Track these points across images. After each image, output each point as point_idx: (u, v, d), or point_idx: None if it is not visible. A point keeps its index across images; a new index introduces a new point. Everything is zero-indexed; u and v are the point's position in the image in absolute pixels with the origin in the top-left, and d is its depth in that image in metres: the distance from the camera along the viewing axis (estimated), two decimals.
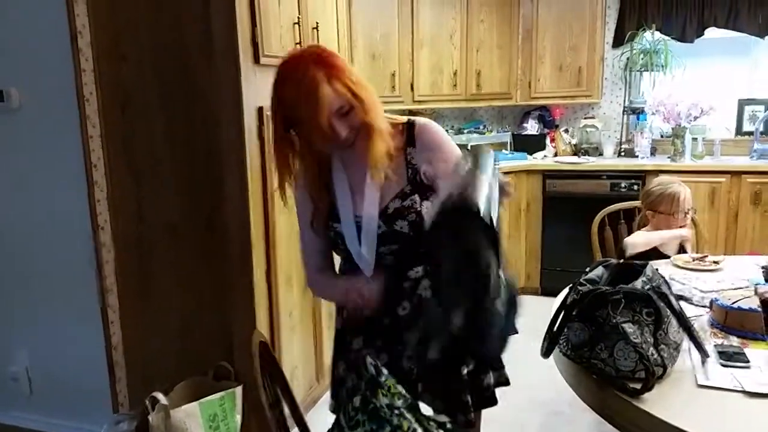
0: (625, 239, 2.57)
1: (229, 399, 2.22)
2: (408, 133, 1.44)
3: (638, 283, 1.36)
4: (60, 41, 2.31)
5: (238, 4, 2.15)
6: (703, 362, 1.41)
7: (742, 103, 4.33)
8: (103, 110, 2.39)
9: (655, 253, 2.49)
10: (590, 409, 1.40)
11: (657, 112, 4.20)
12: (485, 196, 1.12)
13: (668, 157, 4.17)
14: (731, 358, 1.42)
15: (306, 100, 1.29)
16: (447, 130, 3.99)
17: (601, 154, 4.51)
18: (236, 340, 2.39)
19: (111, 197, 2.44)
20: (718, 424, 1.19)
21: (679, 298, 1.64)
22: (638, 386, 1.26)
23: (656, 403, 1.24)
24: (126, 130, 2.39)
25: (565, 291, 1.59)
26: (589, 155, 4.49)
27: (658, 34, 4.28)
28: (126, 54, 2.34)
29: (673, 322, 1.34)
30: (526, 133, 4.74)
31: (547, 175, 4.22)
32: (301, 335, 2.74)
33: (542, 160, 4.48)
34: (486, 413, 1.52)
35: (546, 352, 1.44)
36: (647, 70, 4.30)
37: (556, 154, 4.62)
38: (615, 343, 1.31)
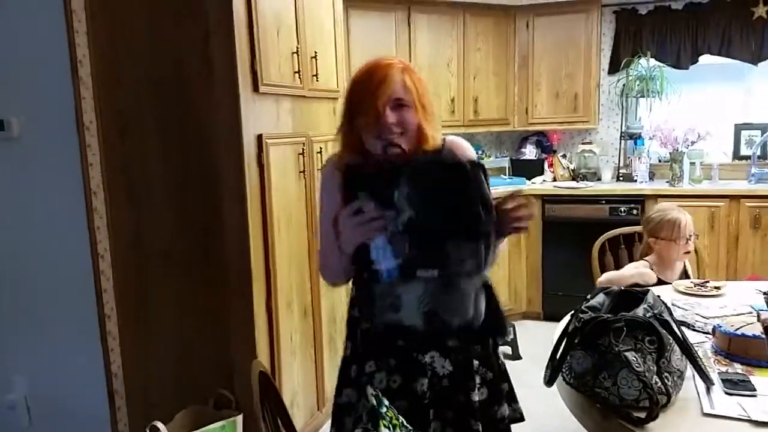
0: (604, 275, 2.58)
1: (230, 428, 2.19)
2: (441, 146, 1.47)
3: (640, 311, 1.35)
4: (60, 70, 2.33)
5: (237, 33, 2.18)
6: (708, 390, 1.39)
7: (739, 128, 4.36)
8: (103, 138, 2.40)
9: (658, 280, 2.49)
10: None
11: (654, 137, 4.23)
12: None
13: (666, 182, 4.18)
14: (736, 385, 1.40)
15: (373, 79, 1.36)
16: None
17: (599, 179, 4.53)
18: (236, 368, 2.37)
19: (110, 224, 2.44)
20: None
21: (681, 324, 1.63)
22: (643, 415, 1.24)
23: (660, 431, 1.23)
24: (125, 157, 2.40)
25: (567, 318, 1.59)
26: (587, 180, 4.51)
27: (653, 61, 4.33)
28: (125, 83, 2.36)
29: (676, 349, 1.33)
30: (524, 158, 4.76)
31: (546, 199, 4.23)
32: (301, 361, 2.72)
33: (541, 185, 4.49)
34: None
35: (549, 381, 1.43)
36: (643, 96, 4.34)
37: (554, 179, 4.64)
38: (618, 371, 1.30)
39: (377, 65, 1.39)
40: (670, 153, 4.18)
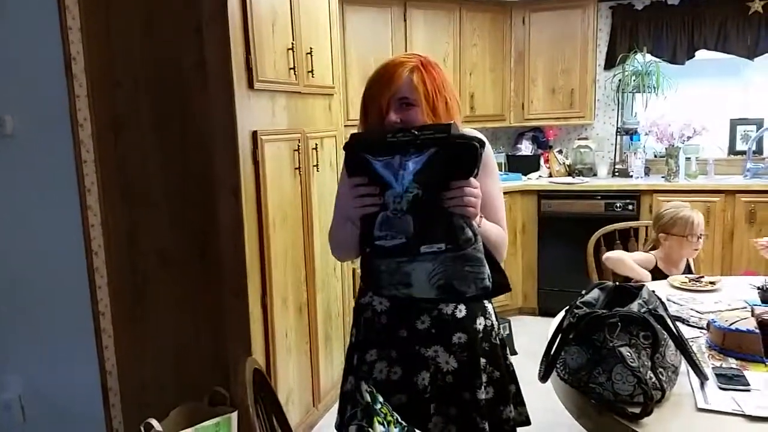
0: (606, 253, 2.59)
1: (225, 425, 2.18)
2: None
3: (634, 306, 1.35)
4: (54, 67, 2.32)
5: (231, 29, 2.17)
6: (702, 385, 1.39)
7: (735, 123, 4.37)
8: (97, 135, 2.39)
9: (660, 273, 2.50)
10: None
11: (650, 133, 4.23)
12: None
13: (662, 177, 4.19)
14: (731, 380, 1.40)
15: (382, 75, 1.38)
16: None
17: (595, 175, 4.53)
18: (231, 365, 2.36)
19: (105, 222, 2.43)
20: None
21: (676, 319, 1.63)
22: (637, 410, 1.24)
23: (655, 427, 1.23)
24: (120, 154, 2.40)
25: (562, 314, 1.59)
26: (583, 176, 4.51)
27: (649, 56, 4.32)
28: (120, 80, 2.35)
29: (671, 344, 1.33)
30: (520, 154, 4.76)
31: (542, 195, 4.23)
32: (297, 358, 2.72)
33: (537, 180, 4.49)
34: None
35: (543, 377, 1.42)
36: (639, 92, 4.34)
37: (550, 175, 4.64)
38: (613, 366, 1.30)
39: (388, 63, 1.40)
40: (665, 148, 4.19)
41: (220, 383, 2.33)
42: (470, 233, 1.34)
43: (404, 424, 1.28)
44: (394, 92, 1.36)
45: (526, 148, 4.78)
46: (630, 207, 3.98)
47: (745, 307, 1.88)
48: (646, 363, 1.28)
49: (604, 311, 1.33)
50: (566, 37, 4.37)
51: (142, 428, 2.05)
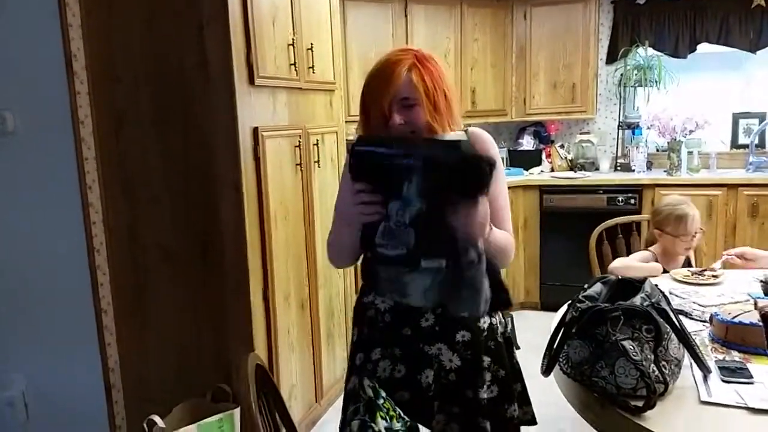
0: (610, 265, 2.55)
1: (228, 421, 2.19)
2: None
3: (637, 300, 1.35)
4: (55, 64, 2.32)
5: (232, 26, 2.17)
6: (705, 378, 1.39)
7: (737, 117, 4.35)
8: (98, 132, 2.39)
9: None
10: (592, 428, 1.38)
11: (652, 127, 4.22)
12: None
13: (664, 171, 4.18)
14: (734, 373, 1.40)
15: (380, 77, 1.35)
16: None
17: (597, 169, 4.52)
18: (234, 361, 2.37)
19: (106, 219, 2.43)
20: None
21: (679, 312, 1.62)
22: (640, 404, 1.24)
23: (659, 420, 1.22)
24: (121, 151, 2.40)
25: (564, 308, 1.58)
26: (585, 170, 4.50)
27: (651, 50, 4.31)
28: (121, 76, 2.34)
29: (674, 338, 1.33)
30: (522, 149, 4.75)
31: (544, 190, 4.23)
32: (299, 354, 2.72)
33: (539, 175, 4.49)
34: None
35: (546, 370, 1.42)
36: (641, 86, 4.33)
37: (552, 170, 4.63)
38: (615, 360, 1.29)
39: (387, 61, 1.37)
40: (668, 142, 4.18)
41: (223, 380, 2.33)
42: (474, 255, 1.33)
43: (407, 419, 1.28)
44: (395, 93, 1.33)
45: (527, 142, 4.77)
46: (632, 201, 3.98)
47: (748, 300, 1.87)
48: (649, 356, 1.28)
49: (607, 305, 1.33)
50: (568, 31, 4.36)
51: (145, 425, 2.05)
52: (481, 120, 4.54)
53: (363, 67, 3.97)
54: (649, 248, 2.59)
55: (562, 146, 4.70)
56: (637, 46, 4.31)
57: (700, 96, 4.38)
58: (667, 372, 1.30)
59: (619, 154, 4.54)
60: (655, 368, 1.28)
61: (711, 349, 1.57)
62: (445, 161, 1.24)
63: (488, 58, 4.41)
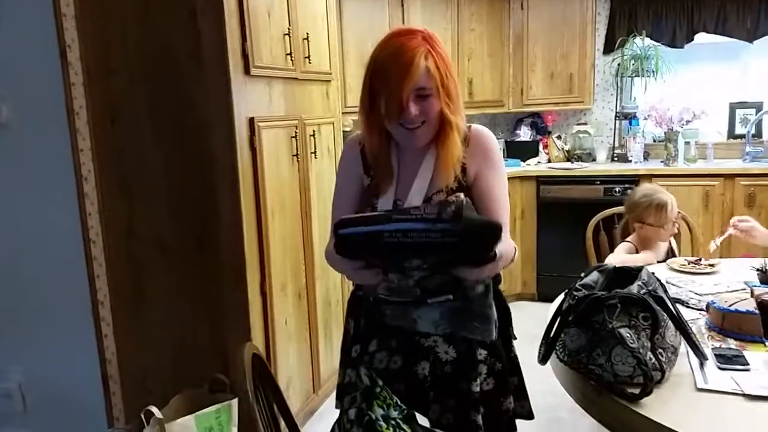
0: (606, 259, 2.54)
1: (225, 411, 2.18)
2: (465, 135, 1.44)
3: (634, 288, 1.35)
4: (49, 55, 2.30)
5: (227, 16, 2.15)
6: (702, 366, 1.39)
7: (734, 107, 4.35)
8: (93, 123, 2.38)
9: None
10: (589, 416, 1.39)
11: (649, 117, 4.22)
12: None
13: (661, 161, 4.18)
14: (730, 361, 1.40)
15: (397, 65, 1.29)
16: None
17: (594, 160, 4.52)
18: (231, 352, 2.37)
19: (102, 210, 2.42)
20: (718, 428, 1.17)
21: (676, 301, 1.62)
22: (637, 391, 1.24)
23: (655, 407, 1.23)
24: (116, 142, 2.38)
25: (561, 297, 1.58)
26: (582, 161, 4.50)
27: (648, 40, 4.30)
28: (115, 67, 2.33)
29: (670, 325, 1.33)
30: (519, 139, 4.75)
31: (541, 181, 4.22)
32: (297, 344, 2.72)
33: (536, 166, 4.48)
34: None
35: (543, 359, 1.42)
36: (638, 76, 4.32)
37: (549, 161, 4.63)
38: (612, 348, 1.29)
39: (403, 48, 1.31)
40: (665, 132, 4.18)
41: (220, 371, 2.32)
42: (481, 288, 1.33)
43: (403, 407, 1.28)
44: (415, 84, 1.30)
45: (525, 133, 4.76)
46: (629, 191, 3.95)
47: (745, 289, 1.88)
48: (645, 344, 1.28)
49: (604, 293, 1.33)
50: (565, 21, 4.35)
51: (142, 416, 2.05)
52: (478, 111, 4.54)
53: (360, 58, 3.95)
54: (627, 240, 2.58)
55: (559, 137, 4.69)
56: (634, 36, 4.29)
57: (697, 86, 4.37)
58: (663, 359, 1.30)
59: (616, 144, 4.54)
60: (651, 356, 1.28)
61: (708, 337, 1.57)
62: (444, 241, 1.16)
63: (485, 48, 4.40)
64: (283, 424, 1.51)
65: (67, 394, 2.60)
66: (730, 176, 3.83)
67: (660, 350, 1.30)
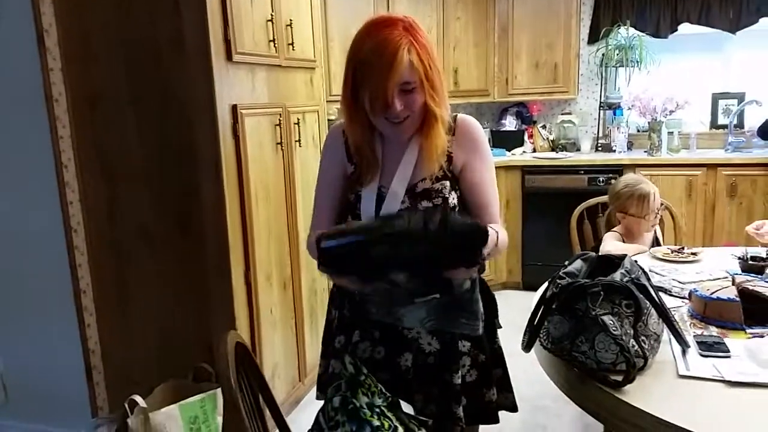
0: (601, 249, 2.54)
1: (210, 401, 2.18)
2: (453, 124, 1.43)
3: (617, 275, 1.35)
4: (26, 41, 2.26)
5: (209, 1, 2.12)
6: (684, 353, 1.41)
7: (716, 97, 4.38)
8: (73, 110, 2.34)
9: None
10: (573, 403, 1.39)
11: (633, 107, 4.24)
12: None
13: (645, 151, 4.20)
14: (711, 348, 1.42)
15: (381, 60, 1.27)
16: None
17: (578, 150, 4.54)
18: (215, 341, 2.35)
19: (83, 199, 2.39)
20: (699, 414, 1.18)
21: (659, 289, 1.64)
22: (619, 378, 1.25)
23: (638, 394, 1.24)
24: (97, 130, 2.35)
25: (545, 285, 1.59)
26: (566, 151, 4.52)
27: (632, 30, 4.31)
28: (95, 53, 2.29)
29: (653, 313, 1.34)
30: (504, 129, 4.75)
31: (526, 170, 4.23)
32: (282, 333, 2.71)
33: (521, 156, 4.49)
34: None
35: (527, 346, 1.43)
36: (622, 66, 4.33)
37: (534, 150, 4.64)
38: (595, 335, 1.30)
39: (385, 41, 1.27)
40: (648, 122, 4.20)
41: (205, 360, 2.31)
42: (467, 284, 1.33)
43: (388, 395, 1.28)
44: (399, 79, 1.28)
45: (510, 123, 4.76)
46: (612, 181, 3.97)
47: (726, 277, 1.90)
48: (628, 331, 1.29)
49: (587, 281, 1.33)
50: (550, 10, 4.34)
51: (126, 405, 2.04)
52: (464, 100, 4.53)
53: (344, 46, 3.90)
54: (614, 230, 2.59)
55: (544, 127, 4.70)
56: (619, 26, 4.30)
57: (680, 77, 4.40)
58: (646, 347, 1.31)
59: (600, 134, 4.56)
60: (634, 343, 1.29)
61: (690, 325, 1.59)
62: (432, 253, 1.14)
63: (470, 37, 4.38)
64: (268, 413, 1.50)
65: (50, 384, 2.58)
66: (713, 166, 3.86)
67: (643, 337, 1.31)
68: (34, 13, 2.23)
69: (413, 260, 1.15)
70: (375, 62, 1.28)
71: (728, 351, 1.41)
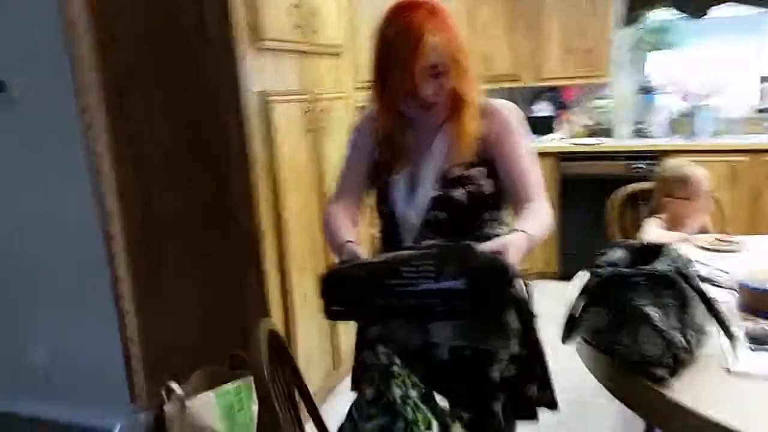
0: (639, 236, 2.45)
1: (246, 388, 2.18)
2: (483, 108, 1.40)
3: (660, 264, 1.29)
4: (56, 30, 2.27)
5: None
6: (732, 347, 1.34)
7: (765, 79, 4.19)
8: (104, 98, 2.35)
9: None
10: (614, 398, 1.34)
11: (671, 91, 4.09)
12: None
13: (683, 136, 4.06)
14: (762, 342, 1.35)
15: (406, 43, 1.25)
16: None
17: (614, 136, 4.41)
18: (250, 330, 2.35)
19: (117, 187, 2.41)
20: (749, 412, 1.13)
21: (704, 280, 1.56)
22: (664, 373, 1.20)
23: (683, 390, 1.18)
24: (127, 118, 2.36)
25: (582, 273, 1.53)
26: (602, 136, 4.40)
27: (667, 13, 4.14)
28: (123, 40, 2.29)
29: (699, 305, 1.28)
30: (536, 115, 4.65)
31: (562, 157, 4.14)
32: (317, 320, 2.70)
33: (555, 142, 4.39)
34: None
35: (566, 338, 1.38)
36: (658, 49, 4.18)
37: (569, 136, 4.53)
38: (638, 328, 1.24)
39: (410, 25, 1.26)
40: (687, 107, 4.05)
41: (240, 347, 2.31)
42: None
43: (422, 386, 1.25)
44: (425, 63, 1.25)
45: (543, 109, 4.66)
46: (652, 167, 3.87)
47: None
48: (674, 324, 1.23)
49: (629, 270, 1.28)
50: None
51: (163, 392, 2.06)
52: (494, 85, 4.44)
53: (371, 33, 3.86)
54: (656, 216, 2.50)
55: (578, 112, 4.58)
56: (654, 7, 4.14)
57: (718, 60, 4.22)
58: (692, 340, 1.25)
59: (637, 119, 4.42)
60: (680, 336, 1.23)
61: (739, 317, 1.52)
62: (448, 309, 1.08)
63: (500, 21, 4.29)
64: (302, 403, 1.49)
65: (91, 371, 2.62)
66: (757, 152, 3.71)
67: (688, 330, 1.25)
68: (63, 2, 2.24)
69: (423, 311, 1.09)
70: (400, 46, 1.26)
71: None
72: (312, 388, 1.56)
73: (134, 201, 2.41)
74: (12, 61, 2.40)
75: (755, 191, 3.73)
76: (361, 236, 3.19)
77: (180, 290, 2.46)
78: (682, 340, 1.23)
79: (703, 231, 2.47)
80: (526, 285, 1.47)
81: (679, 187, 2.36)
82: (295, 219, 2.49)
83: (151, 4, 2.22)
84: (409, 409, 1.19)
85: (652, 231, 2.36)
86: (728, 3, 4.06)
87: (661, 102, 4.28)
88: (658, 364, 1.23)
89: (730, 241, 2.12)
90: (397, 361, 1.26)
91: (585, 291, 1.35)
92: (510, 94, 4.75)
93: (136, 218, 2.43)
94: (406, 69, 1.25)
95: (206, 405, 2.07)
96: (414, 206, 1.37)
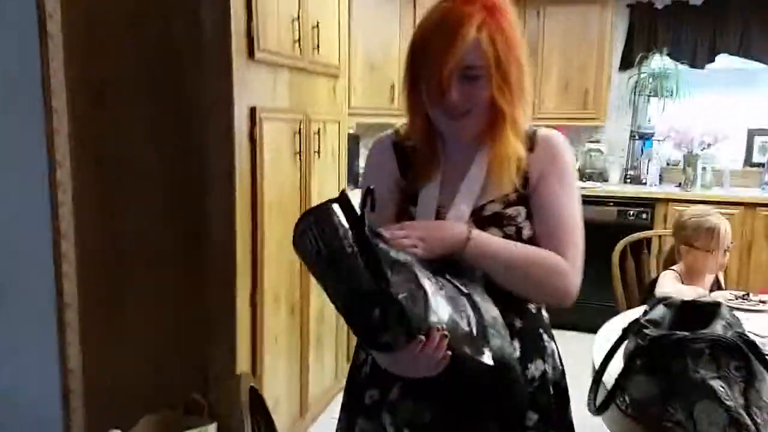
0: (656, 291, 2.27)
1: None
2: (530, 138, 1.16)
3: (719, 328, 1.10)
4: (27, 24, 2.03)
5: None
6: None
7: (753, 133, 4.17)
8: (73, 103, 2.10)
9: None
10: None
11: (668, 138, 4.01)
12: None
13: (677, 185, 3.97)
14: None
15: (441, 35, 1.03)
16: None
17: (605, 180, 4.31)
18: (212, 371, 2.09)
19: (77, 202, 2.14)
20: None
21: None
22: None
23: None
24: (99, 127, 2.10)
25: (608, 327, 1.34)
26: (593, 180, 4.28)
27: (667, 59, 4.10)
28: (103, 41, 2.06)
29: (766, 378, 1.09)
30: None
31: None
32: (286, 363, 2.45)
33: None
34: None
35: (600, 408, 1.17)
36: (656, 95, 4.12)
37: None
38: (695, 402, 1.05)
39: (451, 14, 1.04)
40: (684, 155, 3.98)
41: (199, 389, 2.04)
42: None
43: None
44: (459, 61, 1.02)
45: None
46: (644, 215, 3.76)
47: None
48: (739, 401, 1.03)
49: (687, 333, 1.08)
50: (582, 33, 4.14)
51: None
52: None
53: (366, 57, 3.71)
54: (672, 268, 2.34)
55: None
56: (653, 53, 4.10)
57: (715, 111, 4.18)
58: (759, 421, 1.05)
59: (629, 165, 4.33)
60: (745, 415, 1.04)
61: None
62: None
63: None
64: None
65: (22, 406, 2.30)
66: (750, 205, 3.64)
67: (755, 408, 1.05)
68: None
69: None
70: (434, 38, 1.04)
71: None
72: None
73: (96, 219, 2.14)
74: None
75: (746, 245, 3.64)
76: None
77: (137, 320, 2.17)
78: (748, 419, 1.04)
79: (717, 286, 2.31)
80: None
81: (701, 238, 2.19)
82: (274, 248, 2.25)
83: (141, 4, 2.00)
84: None
85: (670, 285, 2.18)
86: (732, 55, 4.03)
87: (655, 149, 4.19)
88: None
89: (754, 300, 1.95)
90: None
91: (629, 354, 1.15)
92: None
93: (96, 238, 2.15)
94: (436, 66, 1.03)
95: None
96: None
